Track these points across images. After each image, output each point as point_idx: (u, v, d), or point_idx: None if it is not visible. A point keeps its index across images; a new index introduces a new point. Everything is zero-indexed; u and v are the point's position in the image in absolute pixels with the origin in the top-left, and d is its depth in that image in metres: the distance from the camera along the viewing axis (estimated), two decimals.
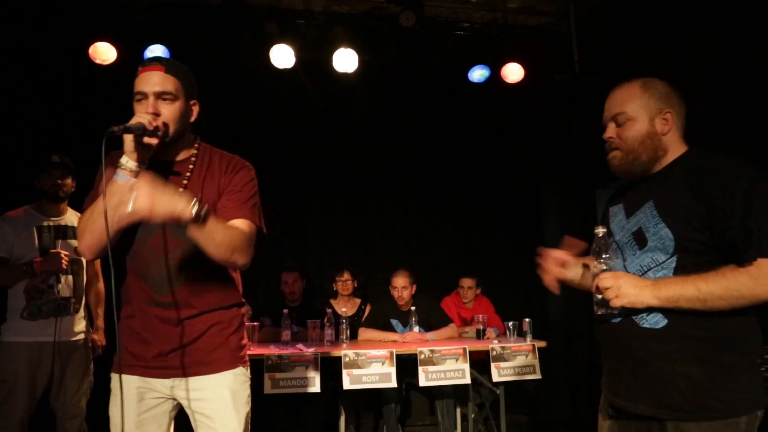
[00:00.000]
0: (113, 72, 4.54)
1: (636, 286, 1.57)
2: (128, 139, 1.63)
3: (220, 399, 1.83)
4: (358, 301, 4.83)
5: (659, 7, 4.20)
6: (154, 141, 1.67)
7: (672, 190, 1.63)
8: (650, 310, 1.59)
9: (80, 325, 3.26)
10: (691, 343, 1.55)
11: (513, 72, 5.15)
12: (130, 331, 1.84)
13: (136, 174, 1.64)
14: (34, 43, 4.51)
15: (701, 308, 1.50)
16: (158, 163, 1.78)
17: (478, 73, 5.23)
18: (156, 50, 4.54)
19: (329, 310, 4.13)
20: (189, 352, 1.82)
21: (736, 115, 3.40)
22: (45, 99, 4.60)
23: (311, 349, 3.60)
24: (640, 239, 1.66)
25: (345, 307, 4.73)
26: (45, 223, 3.22)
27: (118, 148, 1.69)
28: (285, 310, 4.04)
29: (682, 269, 1.57)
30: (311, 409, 4.02)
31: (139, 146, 1.64)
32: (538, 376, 3.82)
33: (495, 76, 5.19)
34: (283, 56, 4.74)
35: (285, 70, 4.82)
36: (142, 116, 1.66)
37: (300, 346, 3.71)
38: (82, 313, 3.29)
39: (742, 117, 3.37)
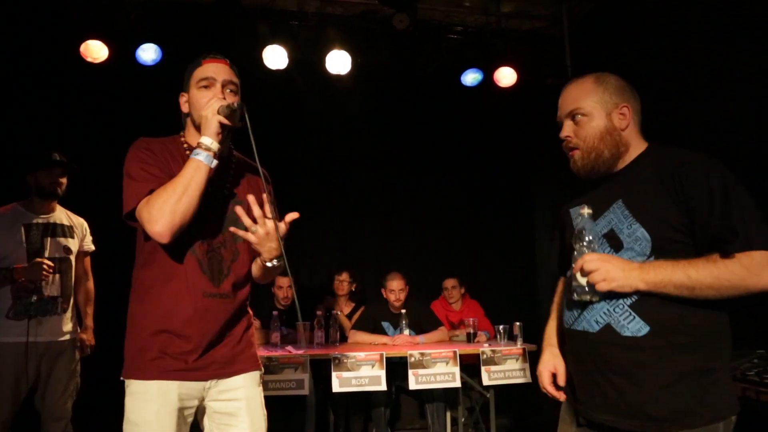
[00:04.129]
0: (105, 70, 4.52)
1: (623, 268, 1.48)
2: (215, 120, 1.65)
3: (253, 398, 1.82)
4: (353, 305, 4.83)
5: (651, 12, 4.22)
6: (235, 125, 1.72)
7: (642, 188, 1.57)
8: (631, 314, 1.52)
9: (68, 325, 3.22)
10: (674, 351, 1.49)
11: (506, 76, 5.16)
12: (160, 329, 1.72)
13: (217, 156, 1.67)
14: (25, 41, 4.48)
15: (688, 296, 1.44)
16: None
17: (471, 77, 5.23)
18: (148, 49, 4.52)
19: (320, 312, 4.11)
20: (227, 349, 1.80)
21: (726, 117, 3.43)
22: (36, 97, 4.56)
23: (301, 351, 3.58)
24: (614, 241, 1.58)
25: (341, 309, 4.72)
26: (34, 221, 3.18)
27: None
28: (274, 312, 4.02)
29: None
30: (300, 411, 3.99)
31: (222, 129, 1.67)
32: (528, 379, 3.81)
33: (488, 80, 5.21)
34: (276, 57, 4.72)
35: (278, 71, 4.80)
36: (222, 100, 1.70)
37: (289, 347, 3.69)
38: (70, 312, 3.25)
39: (730, 119, 3.40)
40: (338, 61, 4.83)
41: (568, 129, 1.69)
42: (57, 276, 3.17)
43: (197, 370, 1.74)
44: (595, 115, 1.64)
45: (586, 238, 1.57)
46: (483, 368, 3.76)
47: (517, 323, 4.05)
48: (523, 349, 3.88)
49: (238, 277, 1.84)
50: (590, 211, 1.60)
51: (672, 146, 1.61)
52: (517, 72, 5.14)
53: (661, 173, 1.54)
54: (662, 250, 1.50)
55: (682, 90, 3.85)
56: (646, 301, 1.50)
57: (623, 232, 1.56)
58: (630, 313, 1.52)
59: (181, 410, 1.73)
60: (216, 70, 1.78)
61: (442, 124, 5.61)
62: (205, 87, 1.76)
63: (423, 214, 5.63)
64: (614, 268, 1.48)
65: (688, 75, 3.77)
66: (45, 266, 3.03)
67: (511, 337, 4.10)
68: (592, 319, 1.59)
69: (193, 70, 1.81)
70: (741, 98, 3.33)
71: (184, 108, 1.86)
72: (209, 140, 1.65)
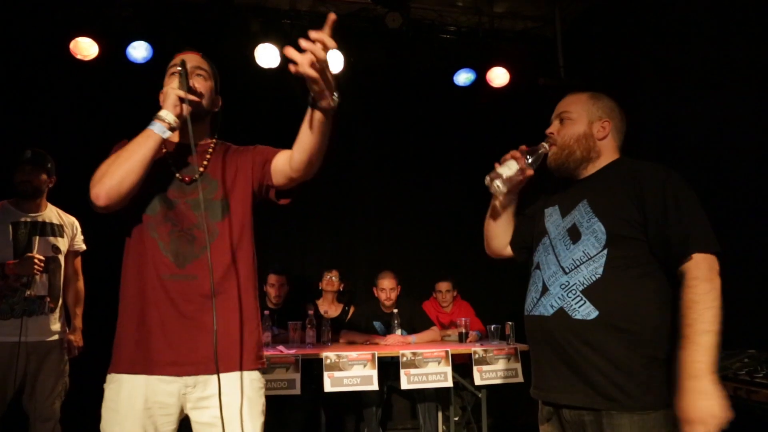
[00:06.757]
0: (95, 68, 4.48)
1: (693, 403, 1.48)
2: (172, 94, 1.65)
3: (235, 405, 1.66)
4: (341, 305, 4.81)
5: (643, 12, 4.24)
6: (194, 99, 1.71)
7: (604, 189, 1.74)
8: (583, 299, 1.64)
9: (56, 324, 3.19)
10: (621, 334, 1.60)
11: (498, 76, 5.17)
12: (132, 318, 1.67)
13: (172, 129, 1.66)
14: (14, 38, 4.43)
15: (718, 340, 1.49)
16: (180, 144, 1.82)
17: (463, 77, 5.24)
18: (139, 47, 4.49)
19: (311, 312, 4.09)
20: (204, 344, 1.63)
21: (718, 118, 3.44)
22: (25, 94, 4.52)
23: (292, 351, 3.56)
24: (573, 234, 1.74)
25: (328, 309, 4.70)
26: (21, 219, 3.15)
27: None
28: (266, 312, 4.00)
29: (611, 262, 1.64)
30: (292, 411, 3.98)
31: (180, 103, 1.67)
32: (520, 379, 3.81)
33: (480, 80, 5.21)
34: (268, 55, 4.70)
35: (270, 70, 4.78)
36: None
37: (281, 347, 3.68)
38: (58, 312, 3.22)
39: (723, 120, 3.42)
40: (331, 60, 4.81)
41: (553, 127, 1.91)
42: (45, 275, 3.14)
43: (165, 365, 1.63)
44: (579, 121, 1.85)
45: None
46: (475, 368, 3.76)
47: (509, 323, 4.05)
48: (515, 348, 3.88)
49: (216, 261, 1.68)
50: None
51: (638, 159, 1.79)
52: (509, 72, 5.14)
53: (623, 177, 1.72)
54: (615, 243, 1.65)
55: (673, 90, 3.86)
56: (597, 288, 1.64)
57: (583, 225, 1.72)
58: (581, 298, 1.65)
59: (150, 411, 1.62)
60: (186, 57, 1.80)
61: (434, 123, 5.60)
62: (174, 74, 1.76)
63: (415, 214, 5.62)
64: (700, 408, 1.47)
65: (680, 76, 3.78)
66: (36, 260, 2.99)
67: (503, 337, 4.10)
68: (548, 304, 1.72)
69: (168, 64, 1.85)
70: (735, 99, 3.35)
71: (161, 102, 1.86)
72: (165, 112, 1.65)
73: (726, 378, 2.58)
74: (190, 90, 1.70)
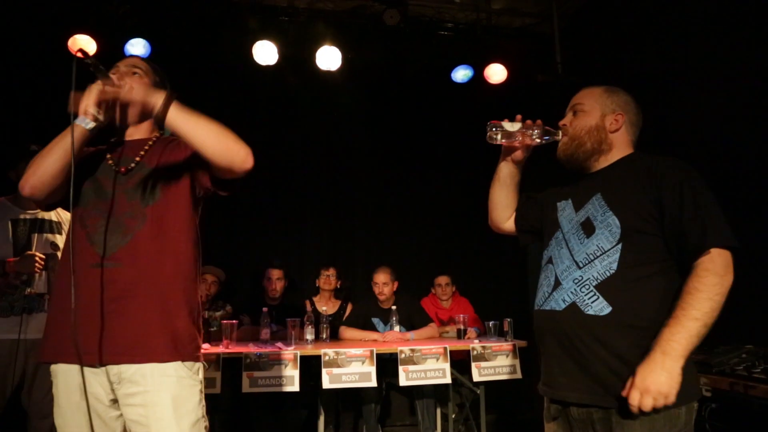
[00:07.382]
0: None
1: (652, 374, 1.46)
2: (95, 87, 1.69)
3: (159, 404, 1.62)
4: (339, 301, 4.81)
5: (640, 10, 4.24)
6: (113, 89, 1.72)
7: (619, 183, 1.73)
8: (596, 294, 1.62)
9: None
10: (634, 331, 1.58)
11: (496, 72, 5.17)
12: (56, 307, 1.69)
13: (96, 119, 1.70)
14: (12, 34, 4.42)
15: (704, 333, 1.49)
16: (118, 142, 1.87)
17: (461, 73, 5.24)
18: (137, 44, 4.48)
19: (309, 308, 4.09)
20: (127, 331, 1.63)
21: (716, 115, 3.45)
22: (23, 91, 4.51)
23: (290, 348, 3.57)
24: (587, 227, 1.72)
25: (326, 306, 4.70)
26: (21, 216, 3.14)
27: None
28: (264, 309, 4.00)
29: (626, 256, 1.62)
30: (290, 408, 3.98)
31: (100, 96, 1.70)
32: (518, 376, 3.82)
33: (478, 77, 5.21)
34: (265, 53, 4.70)
35: (267, 67, 4.78)
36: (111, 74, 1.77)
37: (279, 344, 3.68)
38: None
39: (721, 116, 3.42)
40: (328, 57, 4.81)
41: (566, 118, 1.90)
42: (44, 272, 3.13)
43: (88, 353, 1.60)
44: (592, 113, 1.84)
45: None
46: (473, 364, 3.76)
47: (507, 320, 4.06)
48: (513, 345, 3.89)
49: (143, 247, 1.69)
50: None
51: (653, 154, 1.76)
52: (507, 69, 5.15)
53: (638, 172, 1.71)
54: (629, 237, 1.63)
55: (671, 87, 3.87)
56: (611, 283, 1.62)
57: (597, 219, 1.71)
58: (595, 293, 1.63)
59: (87, 400, 1.61)
60: (122, 61, 1.92)
61: (432, 120, 5.61)
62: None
63: (413, 211, 5.63)
64: (648, 381, 1.47)
65: (678, 72, 3.78)
66: (37, 259, 2.99)
67: (501, 334, 4.11)
68: (560, 299, 1.71)
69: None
70: (732, 96, 3.35)
71: None
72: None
73: (723, 373, 2.59)
74: (111, 82, 1.72)
